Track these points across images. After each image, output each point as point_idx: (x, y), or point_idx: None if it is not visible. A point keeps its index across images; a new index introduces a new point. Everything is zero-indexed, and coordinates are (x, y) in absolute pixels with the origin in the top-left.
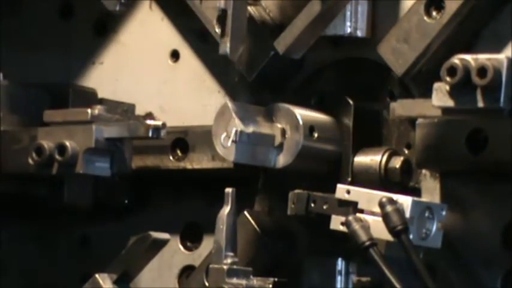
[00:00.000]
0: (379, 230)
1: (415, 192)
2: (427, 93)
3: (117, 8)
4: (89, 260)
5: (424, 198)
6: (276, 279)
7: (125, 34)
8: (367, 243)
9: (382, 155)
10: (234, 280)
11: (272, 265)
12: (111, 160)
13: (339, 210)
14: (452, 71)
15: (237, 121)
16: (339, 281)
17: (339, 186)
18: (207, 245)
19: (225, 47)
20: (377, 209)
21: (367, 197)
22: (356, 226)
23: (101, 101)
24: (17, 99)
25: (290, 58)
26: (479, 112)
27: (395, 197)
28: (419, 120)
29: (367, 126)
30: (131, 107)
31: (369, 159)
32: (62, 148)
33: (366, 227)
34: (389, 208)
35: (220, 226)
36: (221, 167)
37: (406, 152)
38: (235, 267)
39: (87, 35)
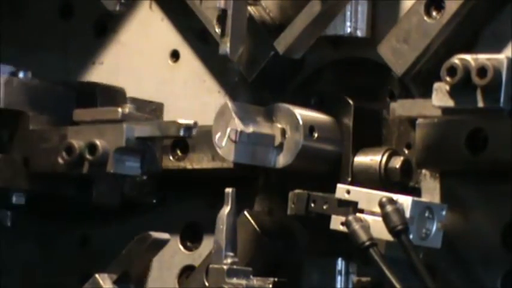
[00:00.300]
0: (379, 230)
1: (415, 192)
2: (427, 93)
3: (117, 8)
4: (89, 260)
5: (424, 198)
6: (276, 279)
7: (125, 34)
8: (367, 243)
9: (382, 155)
10: (234, 280)
11: (272, 265)
12: (142, 159)
13: (339, 210)
14: (452, 71)
15: (237, 121)
16: (339, 281)
17: (339, 186)
18: (207, 245)
19: (225, 47)
20: (377, 209)
21: (367, 197)
22: (356, 226)
23: (129, 100)
24: (46, 98)
25: (290, 58)
26: (479, 112)
27: (395, 197)
28: (419, 120)
29: (367, 126)
30: (159, 106)
31: (368, 159)
32: (92, 147)
33: (366, 227)
34: (389, 208)
35: (220, 226)
36: (221, 167)
37: (406, 152)
38: (235, 267)
39: (87, 35)
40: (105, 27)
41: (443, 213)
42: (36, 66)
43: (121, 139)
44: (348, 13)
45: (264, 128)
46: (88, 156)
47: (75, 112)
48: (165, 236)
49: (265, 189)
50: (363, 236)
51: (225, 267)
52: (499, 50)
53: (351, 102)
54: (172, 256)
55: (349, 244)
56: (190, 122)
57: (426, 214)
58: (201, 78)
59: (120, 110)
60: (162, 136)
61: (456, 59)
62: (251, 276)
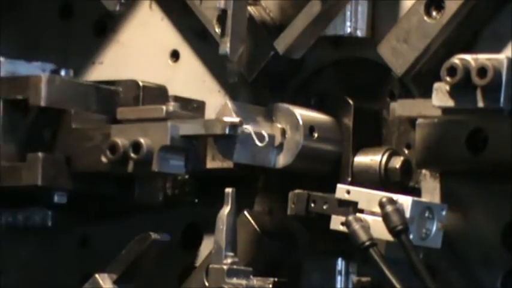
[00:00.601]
0: (379, 230)
1: (415, 192)
2: (427, 93)
3: (117, 8)
4: (89, 260)
5: (424, 198)
6: (276, 279)
7: (125, 34)
8: (367, 243)
9: (382, 155)
10: (234, 280)
11: (272, 265)
12: (186, 158)
13: (339, 210)
14: (452, 71)
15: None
16: (339, 281)
17: (339, 186)
18: (207, 245)
19: (225, 47)
20: (377, 209)
21: (367, 197)
22: (356, 226)
23: (172, 98)
24: (88, 97)
25: (290, 58)
26: (479, 112)
27: (396, 197)
28: (419, 120)
29: (367, 126)
30: (202, 104)
31: (368, 159)
32: (136, 146)
33: (366, 227)
34: (389, 208)
35: (220, 226)
36: (221, 167)
37: (406, 152)
38: (235, 267)
39: (87, 35)
40: (105, 27)
41: (444, 213)
42: None
43: (165, 137)
44: (348, 13)
45: (264, 128)
46: (132, 155)
47: (119, 110)
48: (165, 236)
49: (265, 189)
50: (363, 236)
51: (225, 267)
52: (499, 50)
53: (351, 102)
54: (172, 256)
55: (349, 244)
56: (236, 119)
57: (426, 214)
58: (201, 78)
59: (164, 108)
60: (206, 134)
61: (456, 59)
62: (251, 276)
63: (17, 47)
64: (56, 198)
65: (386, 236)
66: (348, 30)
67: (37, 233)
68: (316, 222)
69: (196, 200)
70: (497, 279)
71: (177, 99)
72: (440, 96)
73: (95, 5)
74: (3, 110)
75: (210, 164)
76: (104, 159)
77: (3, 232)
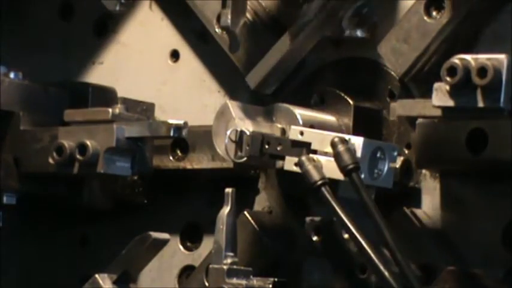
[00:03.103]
0: (331, 169)
1: (415, 192)
2: (427, 93)
3: (117, 8)
4: (88, 260)
5: (424, 199)
6: (276, 279)
7: (125, 34)
8: (320, 182)
9: None
10: (234, 280)
11: (272, 265)
12: (132, 160)
13: (293, 151)
14: (452, 71)
15: (237, 121)
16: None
17: (293, 127)
18: (207, 245)
19: (226, 19)
20: (330, 150)
21: (320, 138)
22: (309, 166)
23: (120, 100)
24: (37, 99)
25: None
26: (479, 112)
27: (347, 137)
28: (419, 120)
29: (367, 126)
30: (150, 106)
31: None
32: (82, 147)
33: (319, 167)
34: (341, 148)
35: (220, 226)
36: (221, 167)
37: (406, 152)
38: (235, 267)
39: (87, 35)
40: (105, 28)
41: (395, 153)
42: (36, 66)
43: (111, 139)
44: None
45: (264, 128)
46: (78, 157)
47: (66, 112)
48: (165, 236)
49: (265, 189)
50: (316, 176)
51: (225, 267)
52: (499, 50)
53: (351, 102)
54: (172, 256)
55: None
56: (181, 122)
57: (378, 154)
58: (201, 78)
59: (110, 110)
60: (152, 136)
61: (456, 59)
62: (251, 277)
63: (17, 47)
64: (5, 200)
65: (338, 175)
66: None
67: (37, 233)
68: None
69: (145, 201)
70: (497, 279)
71: (125, 101)
72: (440, 96)
73: (95, 5)
74: None
75: (210, 164)
76: (51, 160)
77: (3, 232)
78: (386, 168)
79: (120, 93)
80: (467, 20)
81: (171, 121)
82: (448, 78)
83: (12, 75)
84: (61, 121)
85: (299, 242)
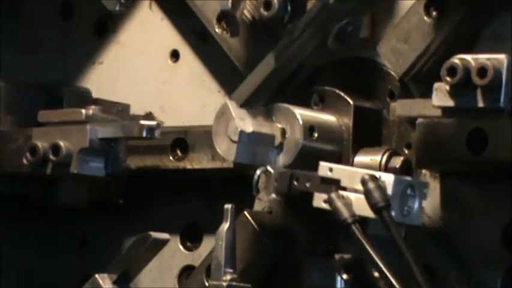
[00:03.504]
0: (361, 207)
1: None
2: (427, 93)
3: (117, 8)
4: (88, 260)
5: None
6: None
7: (124, 34)
8: (349, 219)
9: (382, 155)
10: None
11: (272, 265)
12: (106, 160)
13: (322, 188)
14: (452, 71)
15: (237, 121)
16: (339, 281)
17: (322, 164)
18: (207, 245)
19: (227, 2)
20: (359, 187)
21: (350, 175)
22: (338, 203)
23: (96, 101)
24: (13, 100)
25: None
26: (479, 112)
27: (378, 174)
28: (419, 120)
29: (367, 126)
30: (126, 107)
31: (368, 159)
32: (55, 148)
33: (348, 204)
34: (371, 185)
35: (220, 242)
36: (221, 167)
37: (406, 152)
38: (234, 283)
39: (87, 35)
40: (105, 28)
41: (425, 191)
42: (37, 66)
43: (84, 140)
44: None
45: (264, 128)
46: (52, 157)
47: (40, 113)
48: (165, 236)
49: (265, 189)
50: (345, 213)
51: (224, 283)
52: (499, 50)
53: (351, 102)
54: (172, 256)
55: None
56: (153, 123)
57: (408, 191)
58: (201, 78)
59: (83, 111)
60: (125, 137)
61: (456, 59)
62: None
63: (18, 47)
64: None
65: (368, 212)
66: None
67: (36, 233)
68: (313, 219)
69: (121, 201)
70: (497, 279)
71: (100, 102)
72: (440, 96)
73: (95, 5)
74: None
75: (210, 164)
76: (25, 161)
77: (3, 232)
78: (416, 205)
79: (120, 94)
80: (467, 20)
81: (143, 122)
82: (448, 78)
83: None
84: (37, 122)
85: (299, 242)
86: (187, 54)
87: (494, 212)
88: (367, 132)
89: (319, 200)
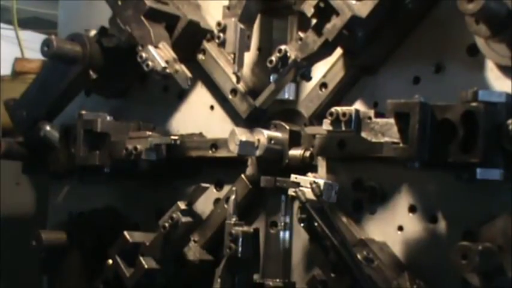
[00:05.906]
0: (310, 195)
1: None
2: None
3: (188, 83)
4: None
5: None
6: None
7: None
8: (305, 201)
9: (303, 150)
10: None
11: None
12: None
13: (292, 185)
14: (331, 115)
15: (238, 135)
16: None
17: (292, 175)
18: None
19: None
20: (309, 186)
21: (304, 180)
22: (299, 193)
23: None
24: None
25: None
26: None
27: (317, 180)
28: (317, 135)
29: (295, 139)
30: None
31: (297, 152)
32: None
33: (304, 193)
34: (314, 185)
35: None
36: (227, 155)
37: (311, 149)
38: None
39: None
40: None
41: (335, 187)
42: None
43: (146, 144)
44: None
45: (250, 138)
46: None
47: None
48: (206, 185)
49: (253, 165)
50: (303, 198)
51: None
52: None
53: (287, 127)
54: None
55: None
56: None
57: (330, 187)
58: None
59: (148, 133)
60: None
61: (333, 109)
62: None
63: None
64: None
65: (313, 198)
66: (286, 95)
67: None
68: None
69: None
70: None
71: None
72: (327, 125)
73: None
74: None
75: (229, 154)
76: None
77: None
78: (333, 193)
79: None
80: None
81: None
82: (329, 117)
83: None
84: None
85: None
86: None
87: None
88: (295, 141)
89: (291, 192)
